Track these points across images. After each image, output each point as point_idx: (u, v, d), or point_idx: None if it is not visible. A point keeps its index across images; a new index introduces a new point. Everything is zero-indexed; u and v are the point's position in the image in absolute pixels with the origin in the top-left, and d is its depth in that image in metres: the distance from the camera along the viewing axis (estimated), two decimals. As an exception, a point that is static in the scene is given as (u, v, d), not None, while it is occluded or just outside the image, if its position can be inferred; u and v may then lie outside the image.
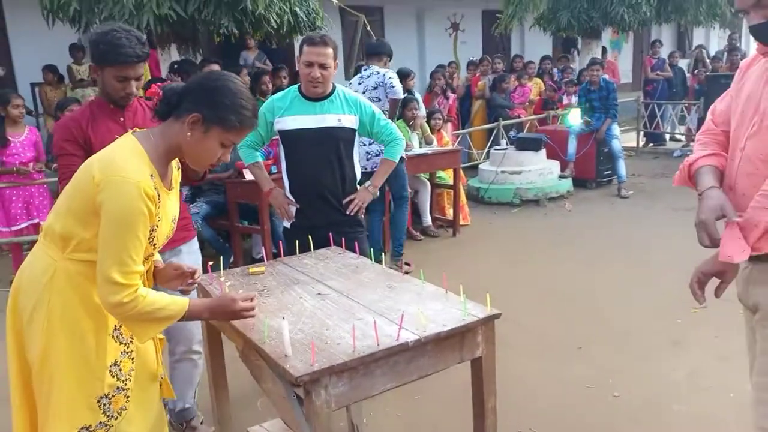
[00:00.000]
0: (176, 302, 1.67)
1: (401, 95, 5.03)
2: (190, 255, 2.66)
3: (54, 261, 1.67)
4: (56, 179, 2.59)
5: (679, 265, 4.82)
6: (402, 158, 4.75)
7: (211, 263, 2.35)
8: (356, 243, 2.62)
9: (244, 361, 1.96)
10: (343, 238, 2.65)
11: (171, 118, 1.72)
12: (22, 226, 5.17)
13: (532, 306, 4.15)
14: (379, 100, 4.84)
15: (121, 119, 2.44)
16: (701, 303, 1.81)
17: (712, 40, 17.18)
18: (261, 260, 3.94)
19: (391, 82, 4.84)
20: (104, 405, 1.69)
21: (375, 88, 4.89)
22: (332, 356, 1.62)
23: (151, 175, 1.64)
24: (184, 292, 1.92)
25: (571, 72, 10.08)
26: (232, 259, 4.98)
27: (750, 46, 15.31)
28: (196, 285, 1.97)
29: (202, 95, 1.68)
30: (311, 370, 1.55)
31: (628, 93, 12.94)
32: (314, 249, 2.61)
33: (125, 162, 1.60)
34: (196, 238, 2.75)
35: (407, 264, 5.04)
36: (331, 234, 2.67)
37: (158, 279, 1.92)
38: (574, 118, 7.67)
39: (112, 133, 1.92)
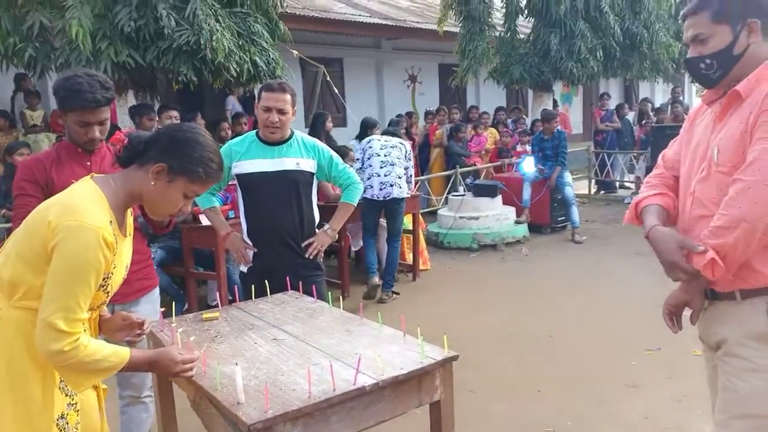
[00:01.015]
0: (117, 353, 1.61)
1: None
2: (151, 304, 2.59)
3: None
4: (5, 225, 2.52)
5: (631, 306, 4.96)
6: (403, 199, 5.35)
7: (162, 309, 2.28)
8: (313, 287, 2.58)
9: (195, 410, 1.89)
10: (301, 282, 2.62)
11: (134, 166, 1.71)
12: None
13: (492, 349, 4.15)
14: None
15: (88, 164, 2.41)
16: (675, 332, 1.89)
17: (657, 93, 18.06)
18: (216, 307, 3.86)
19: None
20: None
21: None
22: (287, 402, 1.58)
23: (111, 222, 1.61)
24: (130, 344, 1.86)
25: (523, 122, 10.42)
26: (186, 305, 4.86)
27: (692, 98, 16.17)
28: (143, 337, 1.92)
29: (170, 146, 1.68)
30: (264, 417, 1.51)
31: (579, 143, 13.39)
32: (272, 293, 2.57)
33: (84, 207, 1.57)
34: (158, 287, 2.68)
35: (396, 293, 5.57)
36: (289, 278, 2.64)
37: (104, 329, 1.86)
38: (528, 166, 7.90)
39: (76, 176, 1.89)
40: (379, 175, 5.34)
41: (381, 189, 5.31)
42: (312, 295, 2.52)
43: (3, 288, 1.61)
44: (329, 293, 2.58)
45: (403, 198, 5.40)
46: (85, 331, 1.60)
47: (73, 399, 1.70)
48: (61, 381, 1.66)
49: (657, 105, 12.55)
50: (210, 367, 1.79)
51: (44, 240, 1.54)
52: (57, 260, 1.52)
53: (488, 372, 3.78)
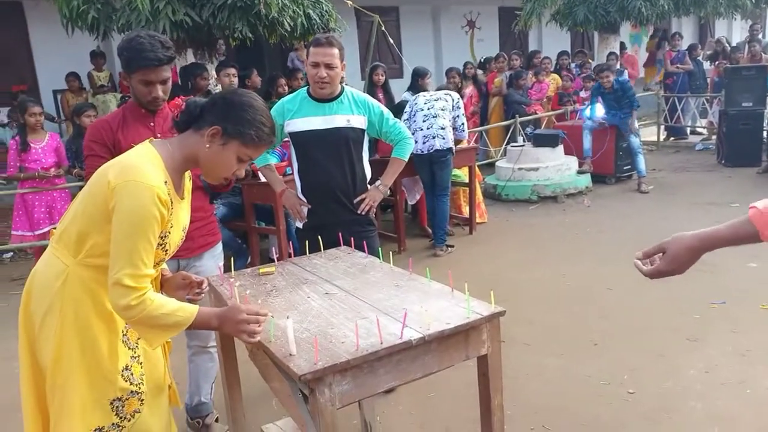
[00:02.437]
0: (185, 309, 1.68)
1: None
2: (213, 259, 2.71)
3: (66, 266, 1.69)
4: (77, 184, 2.67)
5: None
6: (451, 150, 5.31)
7: (220, 264, 2.38)
8: (365, 242, 2.63)
9: (253, 361, 2.00)
10: (353, 237, 2.67)
11: (190, 130, 1.76)
12: (45, 230, 5.30)
13: (549, 303, 4.13)
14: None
15: (152, 124, 2.51)
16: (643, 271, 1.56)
17: (735, 31, 16.86)
18: (279, 260, 3.98)
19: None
20: (117, 407, 1.72)
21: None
22: (336, 355, 1.64)
23: (165, 182, 1.67)
24: (191, 302, 1.90)
25: (588, 67, 9.98)
26: (249, 259, 5.04)
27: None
28: (204, 295, 1.99)
29: (224, 109, 1.72)
30: (314, 369, 1.57)
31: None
32: (326, 248, 2.64)
33: (140, 167, 1.63)
34: (220, 243, 2.80)
35: (450, 246, 5.58)
36: (342, 233, 2.69)
37: (165, 288, 1.95)
38: (599, 111, 7.57)
39: (141, 137, 1.98)
40: (422, 129, 5.31)
41: (424, 142, 5.29)
42: (364, 251, 2.57)
43: (70, 245, 1.69)
44: (380, 249, 2.62)
45: (446, 149, 5.32)
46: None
47: (135, 352, 1.79)
48: (124, 335, 1.76)
49: (734, 44, 11.74)
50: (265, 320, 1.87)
51: (105, 199, 1.62)
52: (116, 219, 1.59)
53: (543, 326, 3.78)
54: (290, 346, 1.67)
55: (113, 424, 1.72)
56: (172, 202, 1.69)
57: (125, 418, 1.74)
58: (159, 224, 1.63)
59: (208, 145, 1.71)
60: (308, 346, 1.69)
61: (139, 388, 1.77)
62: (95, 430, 1.69)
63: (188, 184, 1.89)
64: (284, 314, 1.92)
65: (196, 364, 2.79)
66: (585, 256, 5.06)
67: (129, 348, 1.78)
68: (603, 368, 3.21)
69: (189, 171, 1.87)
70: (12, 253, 6.07)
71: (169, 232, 1.73)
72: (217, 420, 2.86)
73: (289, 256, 2.72)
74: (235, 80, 5.69)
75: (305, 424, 1.66)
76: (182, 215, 1.83)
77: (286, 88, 6.27)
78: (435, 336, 1.74)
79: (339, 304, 2.01)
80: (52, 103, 9.04)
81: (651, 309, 3.90)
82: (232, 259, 2.57)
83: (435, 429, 2.81)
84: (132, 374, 1.75)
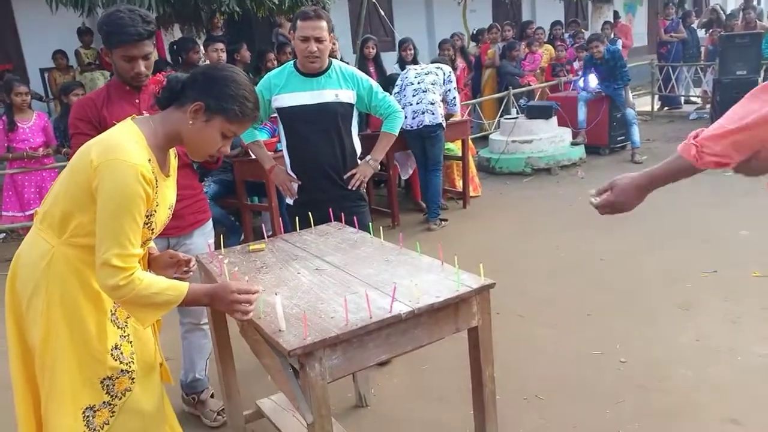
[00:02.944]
0: (175, 287, 1.67)
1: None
2: (204, 237, 2.69)
3: (51, 246, 1.67)
4: (66, 164, 2.64)
5: (689, 229, 4.81)
6: (441, 126, 5.28)
7: (210, 242, 2.37)
8: (355, 218, 2.61)
9: (244, 337, 1.99)
10: (344, 213, 2.66)
11: (172, 107, 1.72)
12: (35, 210, 5.27)
13: (542, 275, 4.15)
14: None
15: (137, 101, 2.47)
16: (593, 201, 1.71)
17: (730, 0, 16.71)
18: (271, 236, 3.96)
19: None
20: (107, 386, 1.71)
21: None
22: (325, 329, 1.64)
23: (149, 160, 1.64)
24: (179, 280, 1.89)
25: (581, 37, 9.88)
26: (242, 236, 5.03)
27: (766, 3, 14.87)
28: (192, 273, 1.97)
29: (206, 84, 1.68)
30: (304, 344, 1.57)
31: (643, 56, 12.67)
32: (317, 224, 2.62)
33: (123, 145, 1.60)
34: (210, 220, 2.77)
35: (444, 220, 5.57)
36: (332, 209, 2.68)
37: (153, 266, 1.93)
38: (593, 81, 7.52)
39: (126, 114, 1.94)
40: (411, 104, 5.27)
41: (414, 118, 5.25)
42: (354, 226, 2.56)
43: (54, 226, 1.67)
44: (371, 224, 2.61)
45: (436, 124, 5.28)
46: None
47: (125, 331, 1.78)
48: (112, 314, 1.75)
49: (729, 11, 11.63)
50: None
51: (88, 178, 1.59)
52: (101, 199, 1.56)
53: (536, 297, 3.79)
54: (279, 322, 1.67)
55: (104, 402, 1.72)
56: (156, 181, 1.66)
57: (116, 396, 1.73)
58: (144, 203, 1.61)
59: (191, 122, 1.68)
60: (298, 322, 1.69)
61: (130, 366, 1.76)
62: (86, 408, 1.69)
63: (174, 162, 1.86)
64: (274, 291, 1.92)
65: (190, 341, 2.80)
66: (578, 228, 5.06)
67: (118, 327, 1.76)
68: (596, 338, 3.23)
69: (174, 149, 1.84)
70: (4, 234, 6.04)
71: (155, 211, 1.71)
72: (212, 396, 2.88)
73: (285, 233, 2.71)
74: (224, 55, 5.61)
75: (296, 398, 1.67)
76: (168, 193, 1.80)
77: (276, 62, 6.18)
78: (425, 309, 1.74)
79: (329, 280, 2.01)
80: (39, 82, 8.91)
81: (643, 279, 3.92)
82: (222, 236, 2.56)
83: (429, 400, 2.83)
84: (122, 353, 1.74)
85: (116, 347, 1.74)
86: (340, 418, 2.67)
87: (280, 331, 1.66)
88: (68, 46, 8.22)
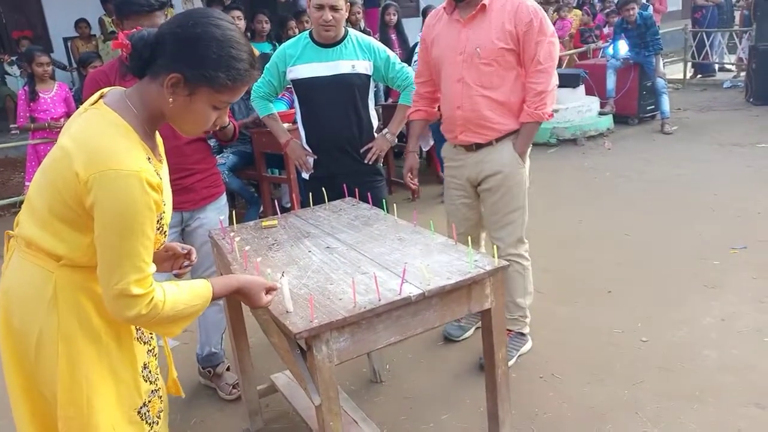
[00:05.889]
0: (199, 295, 1.45)
1: None
2: (217, 211, 2.65)
3: (50, 272, 1.39)
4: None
5: (720, 204, 4.65)
6: None
7: (222, 217, 2.34)
8: (369, 193, 2.55)
9: (254, 315, 1.98)
10: (358, 188, 2.60)
11: (147, 77, 1.39)
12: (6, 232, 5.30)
13: (564, 249, 4.06)
14: None
15: None
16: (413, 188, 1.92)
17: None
18: (290, 209, 3.91)
19: None
20: (144, 414, 1.52)
21: None
22: (332, 312, 1.60)
23: (148, 158, 1.37)
24: (178, 276, 1.73)
25: (611, 2, 9.54)
26: (261, 208, 5.02)
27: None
28: (191, 267, 1.76)
29: (178, 50, 1.33)
30: (310, 326, 1.54)
31: (677, 21, 12.21)
32: (333, 200, 2.58)
33: (113, 148, 1.29)
34: (224, 195, 2.74)
35: None
36: (348, 184, 2.62)
37: None
38: (623, 48, 7.28)
39: None
40: None
41: None
42: (368, 202, 2.51)
43: (46, 250, 1.39)
44: (385, 200, 2.56)
45: None
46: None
47: (150, 344, 1.59)
48: (137, 330, 1.53)
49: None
50: (263, 275, 1.84)
51: (78, 196, 1.30)
52: (103, 220, 1.29)
53: (557, 273, 3.72)
54: (287, 303, 1.64)
55: None
56: (161, 176, 1.40)
57: (153, 422, 1.55)
58: (154, 212, 1.34)
59: (170, 99, 1.35)
60: (305, 303, 1.66)
61: (157, 384, 1.59)
62: None
63: (160, 141, 1.56)
64: (283, 269, 1.89)
65: (205, 316, 2.79)
66: (603, 201, 4.95)
67: (144, 343, 1.56)
68: (617, 316, 3.16)
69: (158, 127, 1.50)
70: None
71: (164, 212, 1.44)
72: (228, 369, 2.89)
73: (302, 205, 2.65)
74: (242, 23, 5.52)
75: (304, 380, 1.65)
76: (167, 182, 1.53)
77: (296, 30, 6.08)
78: (436, 292, 1.70)
79: (339, 259, 1.97)
80: (63, 52, 8.95)
81: (670, 255, 3.81)
82: (233, 211, 2.53)
83: (442, 376, 2.81)
84: (150, 372, 1.56)
85: (145, 366, 1.54)
86: (354, 394, 2.67)
87: (287, 312, 1.63)
88: (92, 15, 8.22)
